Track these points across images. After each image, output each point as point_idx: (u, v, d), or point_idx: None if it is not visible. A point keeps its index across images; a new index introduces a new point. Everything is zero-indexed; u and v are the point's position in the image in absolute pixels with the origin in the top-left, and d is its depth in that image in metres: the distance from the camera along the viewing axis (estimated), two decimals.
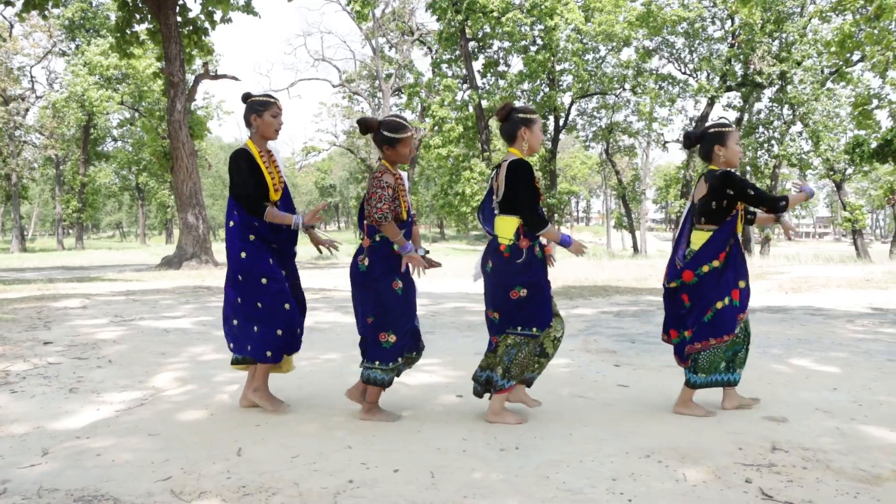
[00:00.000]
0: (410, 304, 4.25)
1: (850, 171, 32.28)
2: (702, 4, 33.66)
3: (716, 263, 4.24)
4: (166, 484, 3.15)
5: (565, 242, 4.17)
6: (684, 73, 36.80)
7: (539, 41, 35.03)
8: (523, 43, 35.25)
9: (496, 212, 4.20)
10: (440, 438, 3.82)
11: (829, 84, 31.85)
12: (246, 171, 4.24)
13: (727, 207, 4.25)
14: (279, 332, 4.26)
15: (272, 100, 4.39)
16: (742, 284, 4.32)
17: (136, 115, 47.37)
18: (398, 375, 4.27)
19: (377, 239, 4.12)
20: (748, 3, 21.43)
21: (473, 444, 3.73)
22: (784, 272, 16.69)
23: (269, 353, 4.28)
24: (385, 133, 4.15)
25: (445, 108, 35.18)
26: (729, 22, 34.64)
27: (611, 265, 20.83)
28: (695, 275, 4.27)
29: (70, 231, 58.86)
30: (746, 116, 36.18)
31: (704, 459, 3.47)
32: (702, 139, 4.45)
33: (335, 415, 4.30)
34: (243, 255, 4.24)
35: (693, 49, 35.92)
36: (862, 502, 2.95)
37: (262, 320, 4.26)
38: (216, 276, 16.76)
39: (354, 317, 4.34)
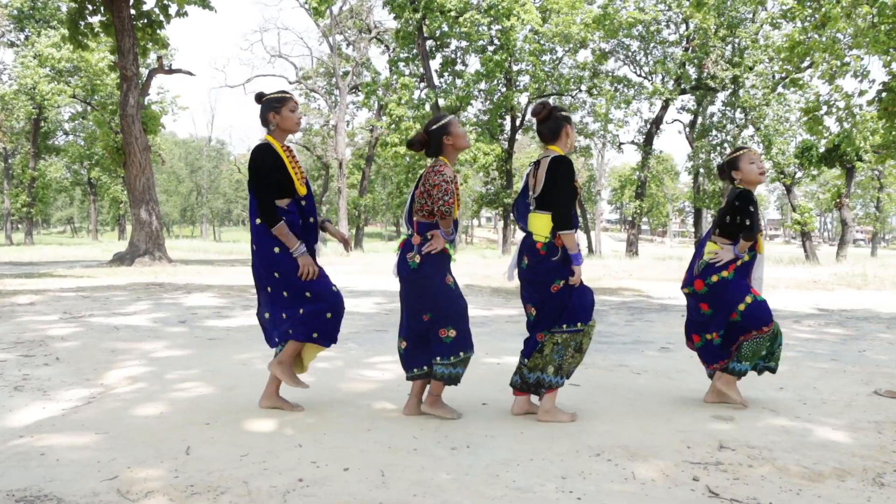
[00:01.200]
0: (462, 299, 4.28)
1: (799, 174, 32.94)
2: (657, 8, 34.10)
3: (725, 274, 4.45)
4: (112, 483, 3.09)
5: (575, 260, 4.15)
6: (639, 76, 37.24)
7: (496, 41, 35.17)
8: (480, 43, 35.35)
9: (531, 208, 4.24)
10: (391, 437, 3.81)
11: (780, 89, 32.47)
12: (270, 166, 4.18)
13: (740, 224, 4.40)
14: (328, 315, 4.23)
15: (287, 95, 4.38)
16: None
17: (89, 108, 46.45)
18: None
19: (429, 236, 4.15)
20: (702, 8, 21.77)
21: (424, 442, 3.73)
22: None
23: (315, 335, 4.23)
24: (436, 126, 4.28)
25: (402, 107, 35.10)
26: (683, 26, 35.14)
27: None
28: (704, 284, 4.49)
29: (19, 226, 57.63)
30: (700, 119, 36.78)
31: (653, 458, 3.51)
32: (725, 168, 4.68)
33: (286, 413, 4.26)
34: (276, 249, 4.17)
35: (648, 52, 36.36)
36: (804, 499, 3.01)
37: (312, 305, 4.21)
38: (169, 273, 16.55)
39: (402, 317, 4.32)
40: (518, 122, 37.97)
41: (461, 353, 4.16)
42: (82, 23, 21.60)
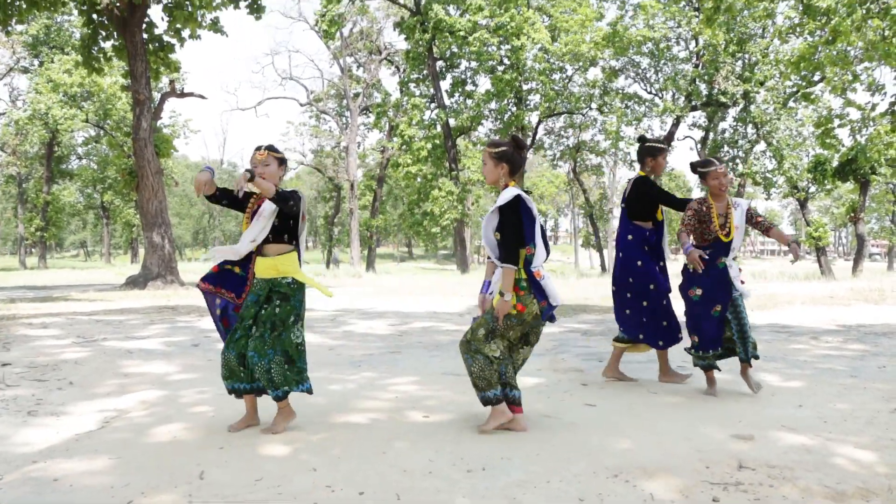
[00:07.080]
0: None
1: (813, 189, 32.75)
2: (667, 25, 34.09)
3: None
4: None
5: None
6: (650, 93, 37.22)
7: (506, 61, 35.28)
8: (490, 63, 35.47)
9: None
10: (406, 459, 3.77)
11: (791, 103, 32.36)
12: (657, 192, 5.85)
13: None
14: (664, 323, 5.62)
15: (664, 147, 5.98)
16: None
17: (102, 132, 46.79)
18: None
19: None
20: (713, 24, 21.69)
21: (440, 464, 3.68)
22: (749, 289, 16.83)
23: (661, 342, 5.64)
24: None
25: (413, 128, 35.23)
26: (693, 42, 35.13)
27: (579, 284, 20.89)
28: None
29: (33, 250, 57.89)
30: (712, 135, 36.66)
31: (671, 478, 3.46)
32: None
33: (301, 436, 4.23)
34: (639, 263, 5.58)
35: (658, 69, 36.35)
36: None
37: (651, 316, 5.62)
38: (182, 297, 16.57)
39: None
40: (529, 142, 37.99)
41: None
42: (95, 48, 21.78)
